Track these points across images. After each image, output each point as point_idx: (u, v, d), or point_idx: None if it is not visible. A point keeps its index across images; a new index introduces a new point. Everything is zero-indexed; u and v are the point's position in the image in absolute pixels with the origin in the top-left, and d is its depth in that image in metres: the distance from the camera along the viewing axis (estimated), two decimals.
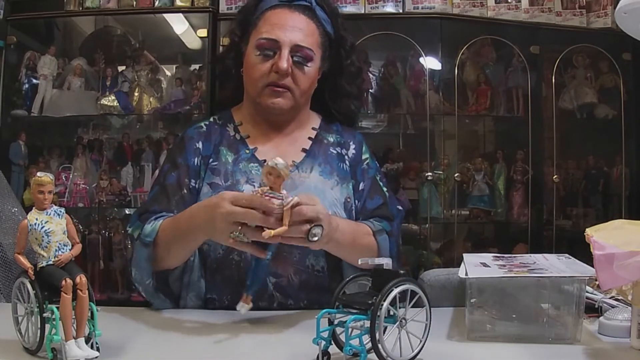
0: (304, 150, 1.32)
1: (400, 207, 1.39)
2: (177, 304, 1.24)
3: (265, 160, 1.27)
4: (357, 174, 1.34)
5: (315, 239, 1.03)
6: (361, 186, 1.33)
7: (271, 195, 0.98)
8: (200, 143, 1.30)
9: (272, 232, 0.96)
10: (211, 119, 1.38)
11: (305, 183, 1.27)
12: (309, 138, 1.35)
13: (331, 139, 1.37)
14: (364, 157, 1.38)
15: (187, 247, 1.16)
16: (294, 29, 1.26)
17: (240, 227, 1.00)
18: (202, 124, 1.36)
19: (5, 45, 2.39)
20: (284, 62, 1.23)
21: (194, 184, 1.27)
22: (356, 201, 1.31)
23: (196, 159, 1.28)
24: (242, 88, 1.35)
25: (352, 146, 1.37)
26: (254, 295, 1.06)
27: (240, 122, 1.35)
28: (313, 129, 1.37)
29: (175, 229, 1.15)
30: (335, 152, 1.35)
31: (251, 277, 1.07)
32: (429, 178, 2.36)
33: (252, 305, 1.04)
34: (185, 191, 1.25)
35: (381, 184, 1.36)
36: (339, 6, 1.61)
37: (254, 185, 1.23)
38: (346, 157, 1.35)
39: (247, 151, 1.30)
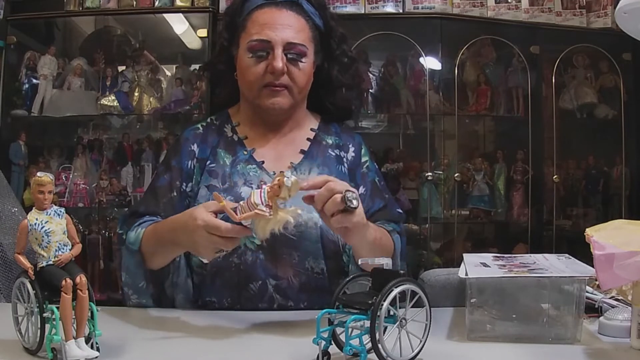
0: (302, 151, 1.31)
1: (400, 211, 1.37)
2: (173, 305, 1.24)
3: (263, 162, 1.27)
4: (356, 177, 1.33)
5: (355, 203, 0.98)
6: (361, 190, 1.31)
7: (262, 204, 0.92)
8: (196, 145, 1.30)
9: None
10: (208, 120, 1.37)
11: None
12: (307, 139, 1.34)
13: (330, 141, 1.35)
14: (363, 159, 1.36)
15: (169, 256, 1.18)
16: (284, 27, 1.24)
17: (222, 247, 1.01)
18: (199, 125, 1.35)
19: (5, 45, 2.39)
20: (279, 62, 1.22)
21: (185, 187, 1.26)
22: None
23: (190, 162, 1.28)
24: (237, 90, 1.34)
25: (352, 148, 1.36)
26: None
27: (237, 122, 1.34)
28: (312, 129, 1.36)
29: (157, 240, 1.16)
30: (333, 154, 1.33)
31: None
32: (429, 178, 2.36)
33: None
34: (175, 194, 1.26)
35: (381, 187, 1.35)
36: (338, 6, 1.60)
37: (251, 187, 1.23)
38: (345, 159, 1.33)
39: (245, 152, 1.29)
